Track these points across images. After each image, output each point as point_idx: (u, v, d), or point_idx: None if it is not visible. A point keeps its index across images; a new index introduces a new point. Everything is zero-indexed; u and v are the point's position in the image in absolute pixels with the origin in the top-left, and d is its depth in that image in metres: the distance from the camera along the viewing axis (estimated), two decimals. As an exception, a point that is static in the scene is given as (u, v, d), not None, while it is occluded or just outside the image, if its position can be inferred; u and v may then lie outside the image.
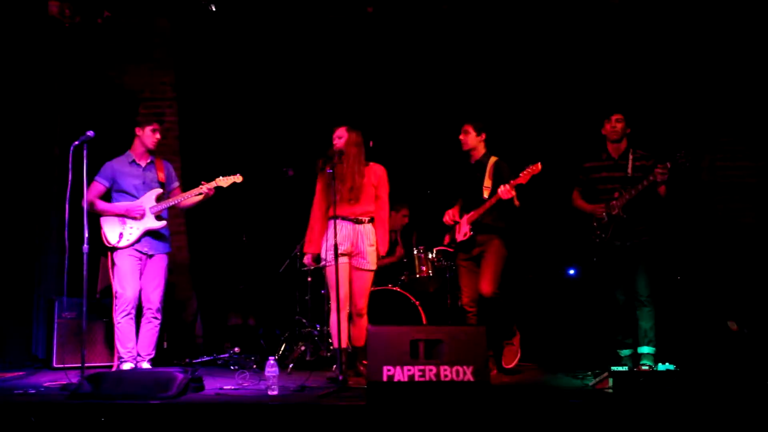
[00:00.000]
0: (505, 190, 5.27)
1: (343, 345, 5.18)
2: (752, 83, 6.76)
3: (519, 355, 5.63)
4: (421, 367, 4.21)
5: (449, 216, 5.72)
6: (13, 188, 6.51)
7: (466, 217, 5.59)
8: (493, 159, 5.62)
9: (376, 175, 5.45)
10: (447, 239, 5.82)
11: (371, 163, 5.48)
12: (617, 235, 5.32)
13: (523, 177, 5.27)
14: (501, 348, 5.62)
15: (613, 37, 6.90)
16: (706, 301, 6.30)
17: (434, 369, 4.20)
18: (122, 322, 5.35)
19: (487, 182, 5.54)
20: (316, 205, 5.52)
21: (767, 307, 6.14)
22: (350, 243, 5.34)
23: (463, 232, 5.59)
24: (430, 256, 6.58)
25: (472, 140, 5.61)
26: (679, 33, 6.78)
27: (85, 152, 4.94)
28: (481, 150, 5.64)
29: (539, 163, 5.24)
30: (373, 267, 5.43)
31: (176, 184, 5.73)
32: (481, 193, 5.53)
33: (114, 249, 5.43)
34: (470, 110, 5.78)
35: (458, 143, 5.66)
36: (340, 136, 5.38)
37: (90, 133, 4.97)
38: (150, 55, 7.40)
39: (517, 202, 5.38)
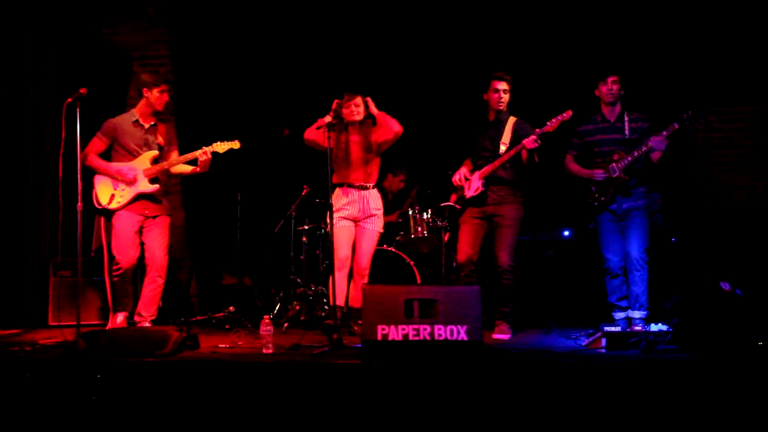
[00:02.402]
0: (530, 140, 5.20)
1: (340, 303, 5.24)
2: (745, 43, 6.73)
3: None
4: (416, 327, 4.22)
5: (460, 175, 5.63)
6: (3, 145, 6.45)
7: (478, 173, 5.53)
8: (513, 118, 5.57)
9: (374, 131, 5.46)
10: (454, 197, 5.74)
11: (368, 121, 5.48)
12: (617, 198, 5.31)
13: (551, 125, 5.20)
14: (493, 321, 5.56)
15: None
16: (700, 263, 6.34)
17: (428, 328, 4.22)
18: (117, 281, 5.37)
19: (505, 138, 5.50)
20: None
21: (761, 269, 6.20)
22: (357, 209, 5.48)
23: (474, 187, 5.52)
24: (425, 216, 6.58)
25: (508, 96, 5.51)
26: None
27: (78, 109, 4.88)
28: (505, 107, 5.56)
29: (570, 111, 5.19)
30: (381, 230, 5.61)
31: (174, 149, 5.66)
32: (498, 149, 5.49)
33: (104, 211, 5.40)
34: (465, 69, 5.70)
35: (459, 101, 5.60)
36: (358, 105, 5.40)
37: (83, 90, 4.91)
38: (144, 11, 7.30)
39: (536, 158, 5.35)
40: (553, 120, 5.22)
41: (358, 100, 5.42)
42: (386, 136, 5.43)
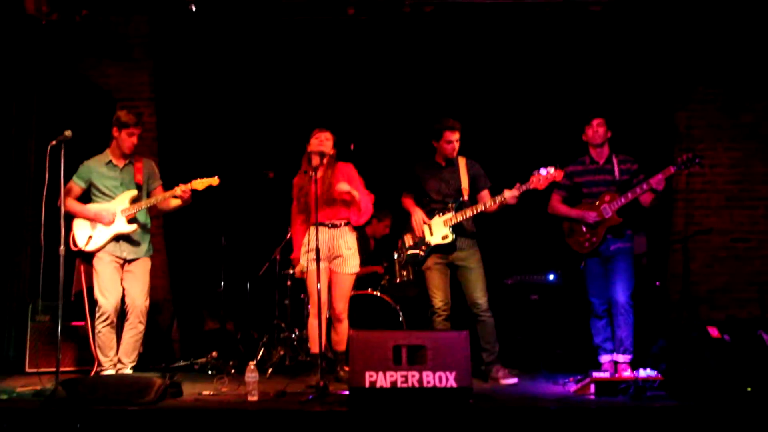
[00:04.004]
0: (512, 196, 5.24)
1: (322, 349, 5.14)
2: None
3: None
4: (404, 373, 4.18)
5: (418, 220, 5.52)
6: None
7: (441, 219, 5.49)
8: (462, 158, 5.58)
9: (345, 174, 5.42)
10: (410, 241, 5.63)
11: (338, 163, 5.45)
12: (607, 238, 5.32)
13: (540, 183, 5.20)
14: (488, 363, 5.47)
15: (592, 43, 6.96)
16: (685, 307, 6.37)
17: (417, 375, 4.18)
18: (103, 332, 5.23)
19: (464, 183, 5.51)
20: (294, 212, 5.49)
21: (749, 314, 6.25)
22: (328, 247, 5.34)
23: (441, 235, 5.47)
24: (395, 257, 6.54)
25: (459, 143, 5.53)
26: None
27: (62, 152, 4.83)
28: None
29: (561, 171, 5.21)
30: (354, 270, 5.43)
31: (157, 183, 5.57)
32: (459, 194, 5.51)
33: (81, 253, 5.31)
34: (448, 114, 5.75)
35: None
36: (328, 139, 5.35)
37: (68, 132, 4.87)
38: (128, 54, 7.30)
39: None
40: (541, 178, 5.19)
41: (328, 134, 5.37)
42: (354, 212, 5.42)
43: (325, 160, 5.25)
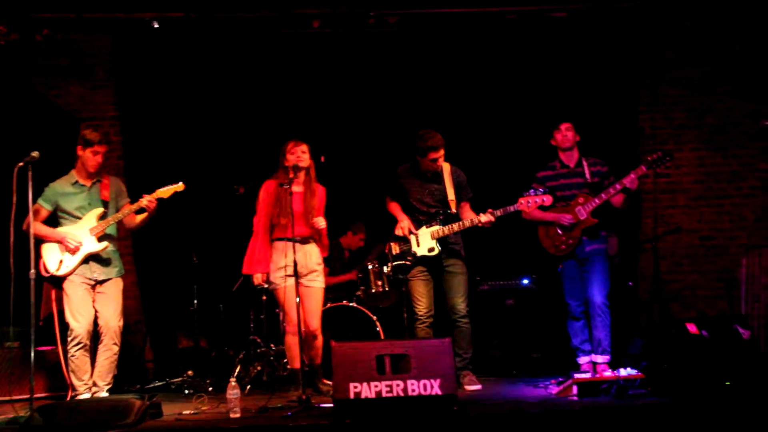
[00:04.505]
0: (488, 219, 5.27)
1: (298, 365, 5.05)
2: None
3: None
4: (388, 383, 4.16)
5: (404, 228, 5.52)
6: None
7: (428, 231, 5.50)
8: (447, 165, 5.57)
9: (319, 196, 5.40)
10: (397, 249, 5.62)
11: (315, 184, 5.41)
12: (583, 240, 5.36)
13: (526, 206, 5.21)
14: (461, 371, 5.47)
15: (557, 48, 7.04)
16: (661, 305, 6.44)
17: (401, 384, 4.17)
18: (77, 355, 5.11)
19: (450, 193, 5.50)
20: (262, 223, 5.39)
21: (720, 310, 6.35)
22: (300, 264, 5.15)
23: (428, 247, 5.47)
24: (384, 270, 6.54)
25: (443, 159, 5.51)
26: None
27: (29, 173, 4.73)
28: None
29: (551, 197, 5.23)
30: (323, 284, 5.41)
31: (125, 201, 5.45)
32: (446, 206, 5.50)
33: (53, 278, 5.19)
34: (422, 124, 5.76)
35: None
36: (304, 152, 5.29)
37: (35, 153, 4.77)
38: (91, 73, 7.20)
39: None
40: (530, 201, 5.21)
41: (305, 147, 5.30)
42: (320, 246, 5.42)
43: (302, 174, 5.23)
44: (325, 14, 6.77)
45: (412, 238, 5.53)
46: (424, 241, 5.50)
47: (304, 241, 5.30)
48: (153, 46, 7.05)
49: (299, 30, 6.94)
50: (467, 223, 5.42)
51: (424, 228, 5.52)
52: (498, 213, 5.31)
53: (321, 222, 5.29)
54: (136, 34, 6.96)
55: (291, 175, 5.07)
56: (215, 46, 7.10)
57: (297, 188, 5.23)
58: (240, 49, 7.11)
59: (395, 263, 5.63)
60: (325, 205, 5.46)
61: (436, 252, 5.45)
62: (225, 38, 7.04)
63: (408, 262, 5.55)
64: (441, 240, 5.47)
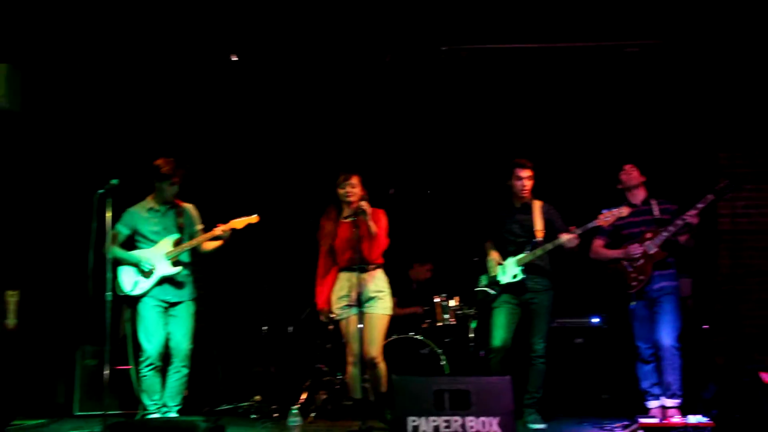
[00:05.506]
0: (568, 237, 5.25)
1: (359, 396, 5.09)
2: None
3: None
4: (447, 419, 4.15)
5: (493, 260, 5.60)
6: (31, 236, 6.54)
7: (515, 259, 5.50)
8: (538, 202, 5.61)
9: (377, 220, 5.31)
10: (485, 280, 5.69)
11: (373, 209, 5.35)
12: (654, 276, 5.27)
13: (605, 220, 5.24)
14: (521, 407, 5.40)
15: (629, 85, 6.94)
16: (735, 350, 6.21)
17: (460, 420, 4.15)
18: (148, 375, 5.29)
19: (538, 224, 5.51)
20: (321, 254, 5.45)
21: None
22: (357, 292, 5.19)
23: (511, 274, 5.49)
24: (451, 303, 6.54)
25: (532, 183, 5.56)
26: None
27: (109, 200, 4.95)
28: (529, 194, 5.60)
29: (627, 207, 5.25)
30: (385, 312, 5.29)
31: (199, 227, 5.65)
32: (532, 235, 5.50)
33: (128, 298, 5.38)
34: (492, 158, 5.77)
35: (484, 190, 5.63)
36: (354, 186, 5.30)
37: (114, 181, 4.99)
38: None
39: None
40: (608, 215, 5.23)
41: (354, 180, 5.30)
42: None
43: (353, 206, 5.26)
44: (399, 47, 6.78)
45: (499, 268, 5.56)
46: (510, 269, 5.52)
47: (362, 269, 5.23)
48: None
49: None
50: (549, 246, 5.39)
51: (510, 258, 5.54)
52: (579, 231, 5.29)
53: (364, 204, 5.19)
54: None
55: (344, 208, 5.19)
56: (295, 77, 7.21)
57: (351, 218, 5.28)
58: (317, 81, 7.22)
59: (479, 289, 5.69)
60: (388, 228, 5.38)
61: (518, 278, 5.45)
62: (304, 71, 7.14)
63: (492, 291, 5.58)
64: (527, 272, 5.45)
